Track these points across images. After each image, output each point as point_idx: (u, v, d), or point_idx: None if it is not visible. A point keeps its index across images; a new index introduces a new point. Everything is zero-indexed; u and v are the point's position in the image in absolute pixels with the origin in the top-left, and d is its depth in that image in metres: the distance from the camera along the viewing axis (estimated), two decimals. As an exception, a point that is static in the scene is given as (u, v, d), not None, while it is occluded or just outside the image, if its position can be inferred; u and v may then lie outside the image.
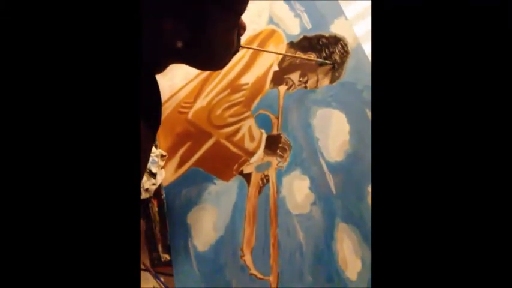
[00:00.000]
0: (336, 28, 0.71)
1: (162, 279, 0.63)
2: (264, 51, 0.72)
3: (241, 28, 0.51)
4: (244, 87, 0.72)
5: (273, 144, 0.66)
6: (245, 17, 0.56)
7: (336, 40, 0.70)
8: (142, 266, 0.63)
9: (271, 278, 0.58)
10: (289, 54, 0.71)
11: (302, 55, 0.70)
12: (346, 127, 0.63)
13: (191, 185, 0.67)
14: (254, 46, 0.75)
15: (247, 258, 0.60)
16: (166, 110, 0.75)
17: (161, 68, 0.52)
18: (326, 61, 0.68)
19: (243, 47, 0.55)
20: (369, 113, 0.62)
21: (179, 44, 0.44)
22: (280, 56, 0.72)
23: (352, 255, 0.56)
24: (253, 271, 0.59)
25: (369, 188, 0.58)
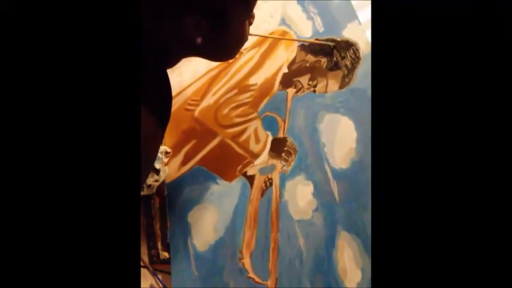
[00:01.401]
0: (349, 33, 0.69)
1: (159, 276, 0.62)
2: (270, 37, 0.70)
3: (251, 17, 0.52)
4: (253, 87, 0.71)
5: (279, 147, 0.65)
6: (257, 17, 0.55)
7: (348, 45, 0.69)
8: (140, 263, 0.63)
9: (269, 283, 0.57)
10: (287, 38, 0.70)
11: (301, 40, 0.69)
12: (354, 134, 0.62)
13: (194, 183, 0.67)
14: (264, 47, 0.74)
15: (246, 261, 0.60)
16: (173, 106, 0.74)
17: (173, 62, 0.51)
18: (327, 42, 0.67)
19: (251, 35, 0.55)
20: (377, 122, 0.61)
21: (199, 40, 0.44)
22: (291, 58, 0.71)
23: (352, 265, 0.55)
24: (251, 274, 0.59)
25: (373, 198, 0.57)
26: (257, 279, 0.58)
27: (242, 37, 0.51)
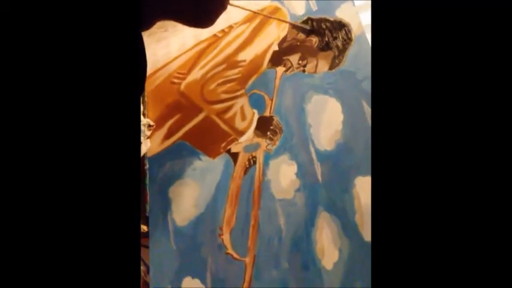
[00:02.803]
0: (342, 13, 0.68)
1: (137, 249, 0.62)
2: (251, 11, 0.68)
3: None
4: (241, 64, 0.69)
5: (264, 125, 0.64)
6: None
7: (341, 26, 0.68)
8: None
9: (247, 260, 0.58)
10: (271, 16, 0.69)
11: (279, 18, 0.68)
12: (340, 117, 0.62)
13: (176, 158, 0.66)
14: (255, 23, 0.72)
15: (226, 238, 0.59)
16: (158, 78, 0.73)
17: (147, 25, 0.49)
18: (303, 25, 0.66)
19: (231, 5, 0.53)
20: (365, 105, 0.61)
21: None
22: (282, 36, 0.69)
23: (330, 245, 0.55)
24: (230, 251, 0.59)
25: (356, 180, 0.58)
26: (235, 256, 0.58)
27: (220, 3, 0.49)
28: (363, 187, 0.57)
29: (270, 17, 0.68)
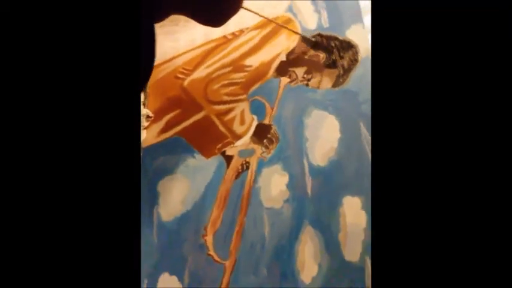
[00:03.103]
0: (352, 34, 0.69)
1: (118, 239, 0.61)
2: (263, 17, 0.69)
3: None
4: (247, 68, 0.70)
5: (262, 133, 0.65)
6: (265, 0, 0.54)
7: (349, 46, 0.69)
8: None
9: (228, 263, 0.58)
10: (279, 23, 0.69)
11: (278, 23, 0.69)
12: (337, 135, 0.63)
13: (170, 153, 0.66)
14: (267, 31, 0.72)
15: (209, 239, 0.60)
16: (163, 71, 0.73)
17: (162, 17, 0.50)
18: (310, 37, 0.68)
19: (244, 8, 0.54)
20: (362, 127, 0.62)
21: None
22: (291, 48, 0.70)
23: (311, 260, 0.56)
24: (211, 252, 0.59)
25: (344, 199, 0.59)
26: (216, 258, 0.58)
27: (233, 5, 0.50)
28: (350, 206, 0.58)
29: (278, 24, 0.69)
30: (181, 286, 0.58)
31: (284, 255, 0.57)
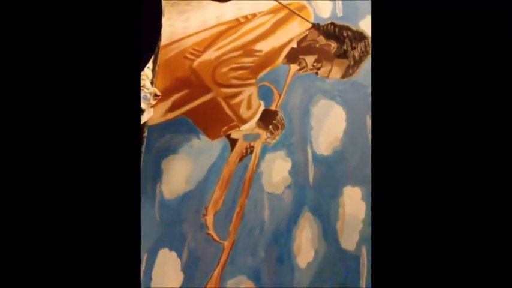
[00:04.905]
0: (365, 25, 0.69)
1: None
2: (276, 0, 0.68)
3: None
4: (257, 53, 0.70)
5: (268, 118, 0.65)
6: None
7: (361, 37, 0.69)
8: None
9: (226, 243, 0.59)
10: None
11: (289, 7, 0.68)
12: (343, 125, 0.63)
13: (176, 132, 0.67)
14: (279, 16, 0.72)
15: (209, 218, 0.61)
16: (172, 50, 0.73)
17: None
18: (307, 19, 0.67)
19: None
20: (368, 119, 0.62)
21: None
22: (302, 35, 0.70)
23: (308, 245, 0.57)
24: (211, 231, 0.60)
25: (344, 189, 0.59)
26: (215, 237, 0.60)
27: None
28: (350, 197, 0.59)
29: (291, 10, 0.69)
30: (179, 262, 0.59)
31: (282, 239, 0.58)
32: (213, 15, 0.74)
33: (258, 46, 0.70)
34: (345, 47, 0.68)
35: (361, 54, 0.67)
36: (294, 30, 0.70)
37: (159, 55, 0.65)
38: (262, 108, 0.66)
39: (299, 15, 0.69)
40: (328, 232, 0.58)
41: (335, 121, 0.64)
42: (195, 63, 0.70)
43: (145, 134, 0.67)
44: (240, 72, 0.69)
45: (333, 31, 0.69)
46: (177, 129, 0.67)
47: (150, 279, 0.58)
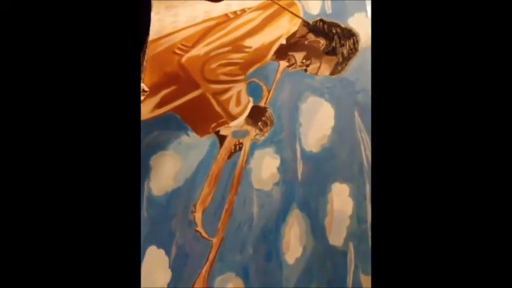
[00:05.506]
0: (354, 22, 0.69)
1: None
2: None
3: None
4: (247, 49, 0.69)
5: (257, 115, 0.65)
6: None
7: (350, 34, 0.69)
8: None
9: (215, 240, 0.59)
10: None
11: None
12: (331, 122, 0.63)
13: (164, 128, 0.66)
14: (269, 12, 0.72)
15: (198, 216, 0.61)
16: (160, 46, 0.72)
17: None
18: (298, 15, 0.67)
19: None
20: (357, 116, 0.63)
21: None
22: (291, 31, 0.70)
23: (296, 242, 0.58)
24: (199, 228, 0.60)
25: (333, 186, 0.60)
26: (204, 234, 0.60)
27: None
28: (338, 193, 0.59)
29: (280, 6, 0.69)
30: (167, 259, 0.59)
31: (270, 236, 0.58)
32: (201, 11, 0.74)
33: (247, 42, 0.70)
34: (333, 44, 0.68)
35: (350, 51, 0.67)
36: (283, 26, 0.70)
37: (147, 50, 0.64)
38: (251, 104, 0.66)
39: (289, 11, 0.69)
40: (316, 228, 0.58)
41: (324, 118, 0.64)
42: (184, 59, 0.69)
43: (133, 130, 0.66)
44: (229, 68, 0.69)
45: (322, 28, 0.69)
46: (166, 126, 0.66)
47: (138, 276, 0.57)
